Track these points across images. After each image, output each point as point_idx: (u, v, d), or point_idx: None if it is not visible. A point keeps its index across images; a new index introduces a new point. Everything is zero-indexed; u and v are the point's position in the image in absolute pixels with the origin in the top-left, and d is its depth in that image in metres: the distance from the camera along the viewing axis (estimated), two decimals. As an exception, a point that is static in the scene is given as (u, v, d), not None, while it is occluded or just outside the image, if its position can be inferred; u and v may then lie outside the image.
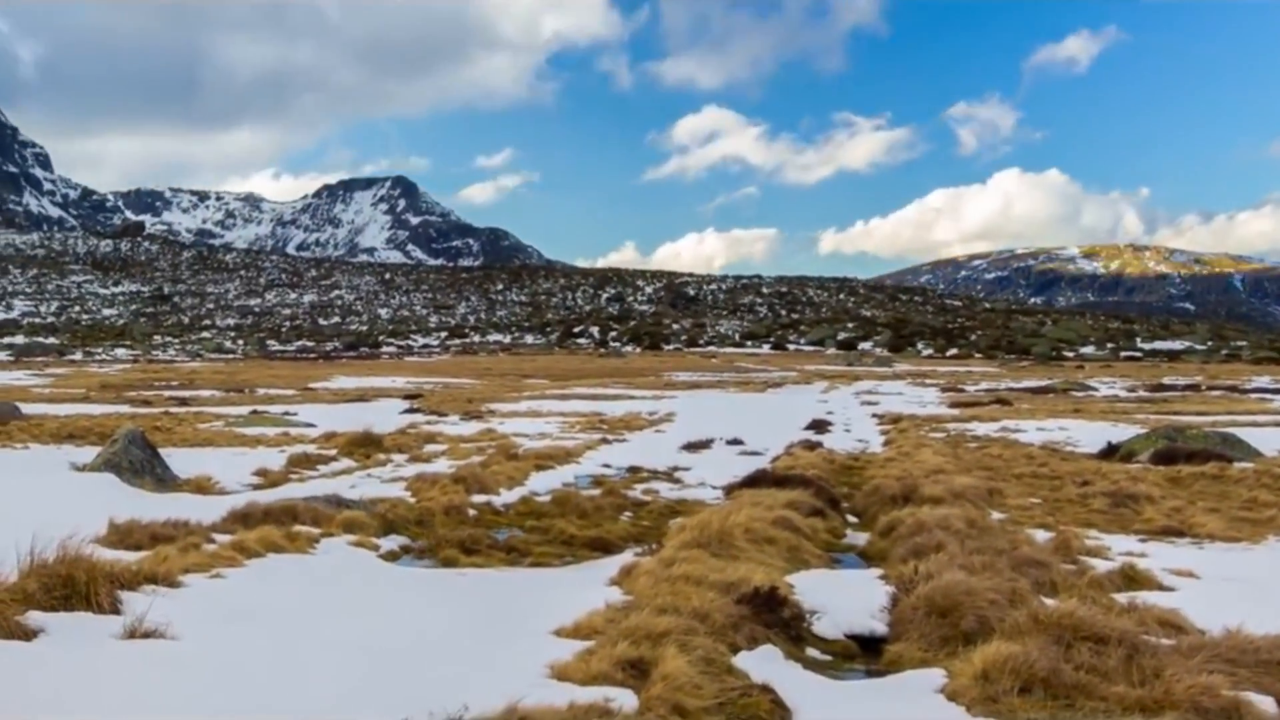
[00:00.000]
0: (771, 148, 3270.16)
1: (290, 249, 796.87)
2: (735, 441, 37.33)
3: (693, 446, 35.83)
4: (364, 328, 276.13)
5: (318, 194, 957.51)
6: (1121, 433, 37.93)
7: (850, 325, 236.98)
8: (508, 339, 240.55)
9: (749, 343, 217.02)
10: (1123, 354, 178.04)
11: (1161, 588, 14.04)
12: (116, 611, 10.98)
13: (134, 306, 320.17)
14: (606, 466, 29.87)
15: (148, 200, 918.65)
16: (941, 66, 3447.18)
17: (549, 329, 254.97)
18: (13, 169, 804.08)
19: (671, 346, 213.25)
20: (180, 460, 26.72)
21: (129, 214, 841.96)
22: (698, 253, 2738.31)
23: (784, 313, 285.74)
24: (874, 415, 55.98)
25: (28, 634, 10.03)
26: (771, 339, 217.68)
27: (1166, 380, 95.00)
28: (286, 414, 49.39)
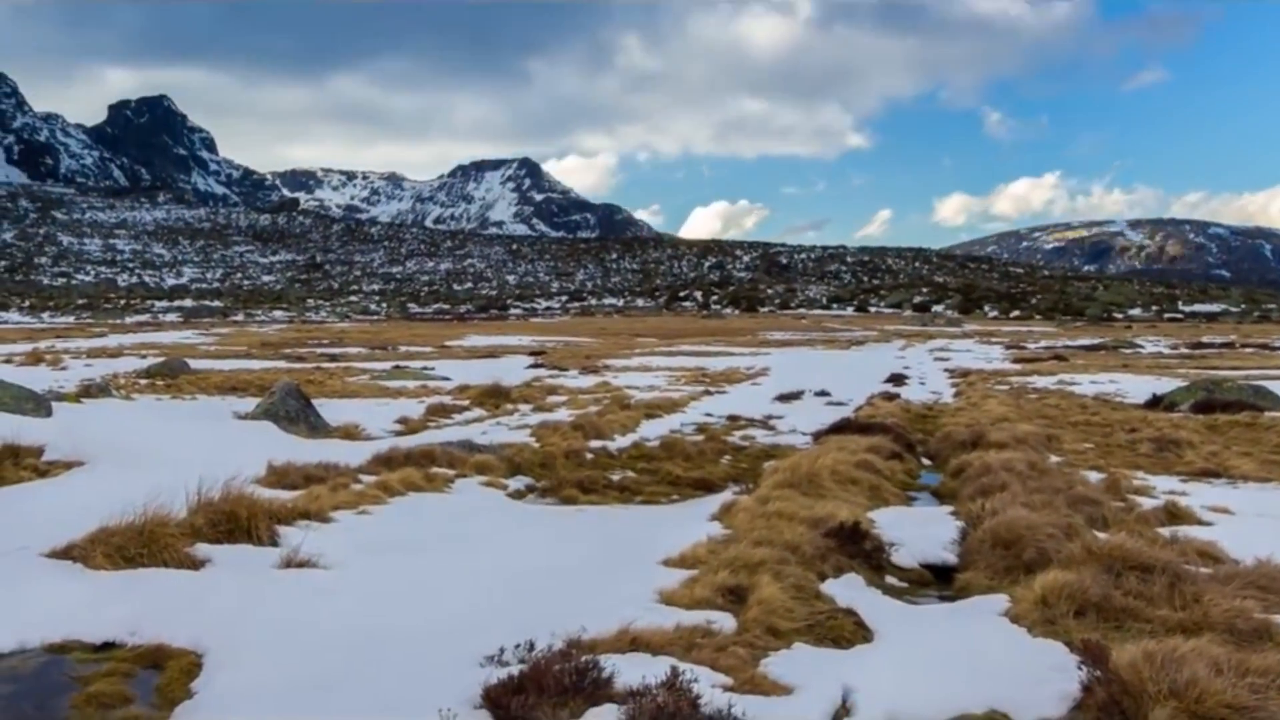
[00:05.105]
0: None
1: (428, 223, 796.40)
2: (822, 393, 37.20)
3: (785, 398, 35.74)
4: (493, 292, 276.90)
5: (452, 174, 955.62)
6: (1165, 385, 37.54)
7: (925, 290, 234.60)
8: (621, 302, 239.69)
9: (835, 305, 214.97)
10: (1166, 316, 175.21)
11: (1200, 523, 13.97)
12: (274, 544, 11.28)
13: (289, 273, 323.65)
14: (709, 415, 29.76)
15: (301, 179, 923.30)
16: None
17: (657, 293, 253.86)
18: (182, 152, 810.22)
19: (766, 309, 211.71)
20: (330, 410, 26.89)
21: (285, 191, 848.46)
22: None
23: (866, 279, 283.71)
24: (945, 370, 55.57)
25: (196, 564, 10.35)
26: (855, 302, 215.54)
27: (1205, 339, 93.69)
28: (425, 369, 49.58)
